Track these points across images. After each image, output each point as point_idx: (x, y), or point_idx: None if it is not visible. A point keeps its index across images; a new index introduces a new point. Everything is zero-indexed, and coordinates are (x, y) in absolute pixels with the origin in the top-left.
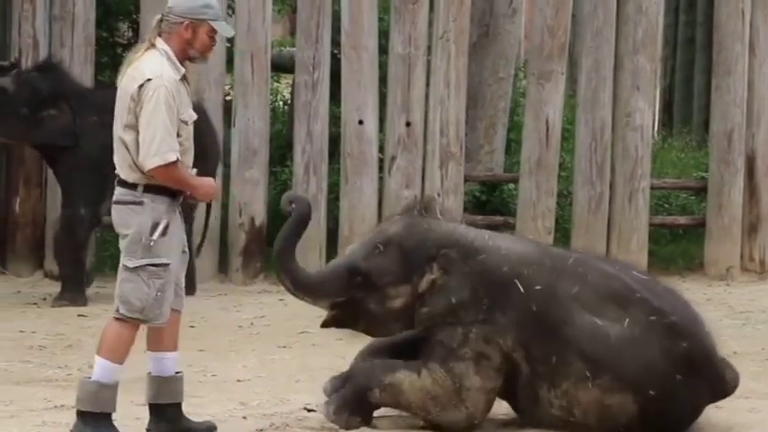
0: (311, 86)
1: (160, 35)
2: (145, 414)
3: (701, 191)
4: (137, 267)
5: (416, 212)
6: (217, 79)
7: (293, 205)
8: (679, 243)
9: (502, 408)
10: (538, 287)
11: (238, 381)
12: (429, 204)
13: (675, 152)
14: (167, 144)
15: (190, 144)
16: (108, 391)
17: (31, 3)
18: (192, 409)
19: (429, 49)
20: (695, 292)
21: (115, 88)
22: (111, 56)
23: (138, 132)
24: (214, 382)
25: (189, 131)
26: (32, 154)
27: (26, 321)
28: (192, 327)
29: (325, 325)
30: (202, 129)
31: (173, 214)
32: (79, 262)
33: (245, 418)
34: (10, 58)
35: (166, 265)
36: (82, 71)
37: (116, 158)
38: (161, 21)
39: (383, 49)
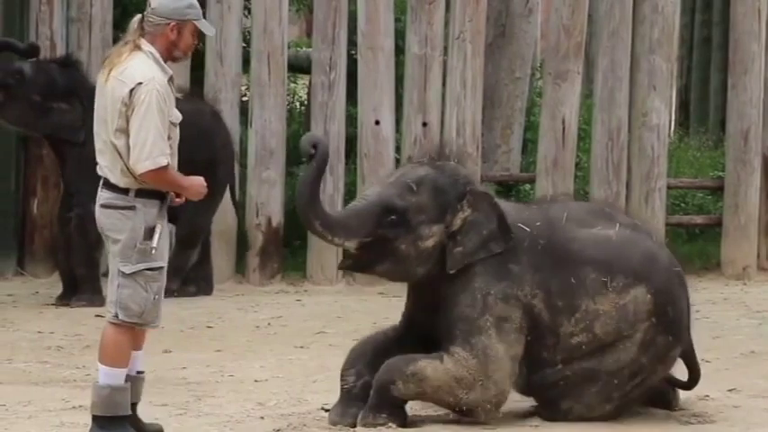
0: (328, 87)
1: (142, 36)
2: (162, 414)
3: (717, 190)
4: (134, 273)
5: (437, 155)
6: (233, 80)
7: (314, 149)
8: (695, 243)
9: (514, 404)
10: (538, 224)
11: (256, 381)
12: (443, 150)
13: (692, 151)
14: (159, 148)
15: (176, 145)
16: (120, 394)
17: (49, 4)
18: (210, 410)
19: (445, 49)
20: (712, 292)
21: None
22: None
23: (128, 136)
24: (231, 382)
25: (177, 132)
26: (50, 155)
27: (44, 322)
28: (209, 327)
29: (343, 267)
30: (214, 131)
31: (163, 218)
32: (94, 261)
33: (262, 418)
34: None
35: (162, 268)
36: (99, 72)
37: (104, 162)
38: (142, 21)
39: (399, 50)
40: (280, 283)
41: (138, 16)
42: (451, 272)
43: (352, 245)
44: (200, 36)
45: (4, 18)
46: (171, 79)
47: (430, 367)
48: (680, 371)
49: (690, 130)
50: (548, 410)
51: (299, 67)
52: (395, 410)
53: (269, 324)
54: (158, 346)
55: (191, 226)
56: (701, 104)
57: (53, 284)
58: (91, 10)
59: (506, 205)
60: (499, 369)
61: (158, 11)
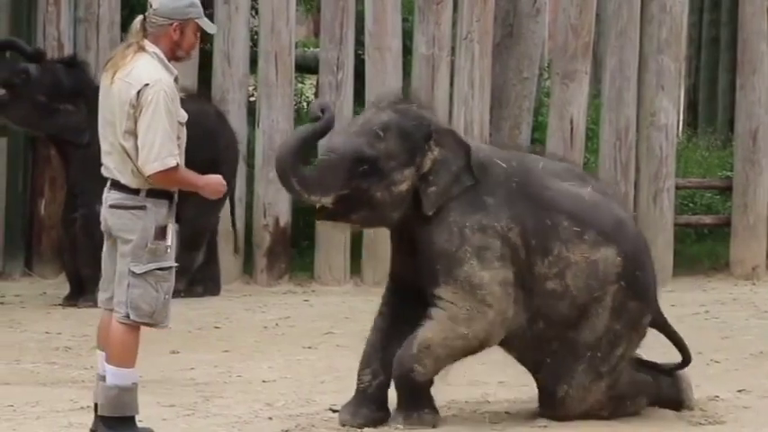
0: (335, 87)
1: (145, 37)
2: (170, 414)
3: (726, 190)
4: (144, 273)
5: (399, 100)
6: (241, 80)
7: (323, 113)
8: (704, 243)
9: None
10: (513, 164)
11: (264, 381)
12: (403, 93)
13: (700, 151)
14: (167, 149)
15: (183, 145)
16: (128, 394)
17: (56, 5)
18: (218, 410)
19: (453, 49)
20: (721, 292)
21: None
22: None
23: (137, 138)
24: (239, 382)
25: (184, 132)
26: (57, 156)
27: (52, 322)
28: (217, 327)
29: (319, 218)
30: (218, 132)
31: (172, 217)
32: (100, 262)
33: (270, 418)
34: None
35: (171, 268)
36: (102, 74)
37: (112, 164)
38: (144, 22)
39: (407, 50)
40: (287, 283)
41: (140, 17)
42: (429, 213)
43: (328, 200)
44: (206, 36)
45: (12, 18)
46: (176, 79)
47: (428, 331)
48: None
49: (698, 129)
50: (546, 402)
51: (306, 67)
52: (429, 400)
53: (277, 324)
54: (166, 346)
55: (193, 227)
56: (710, 104)
57: (60, 285)
58: (98, 10)
59: (481, 145)
60: (489, 293)
61: (160, 11)
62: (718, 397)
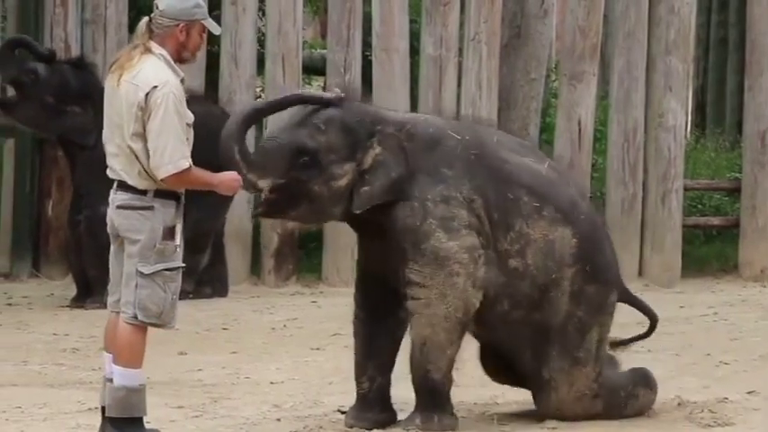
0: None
1: (152, 38)
2: (178, 416)
3: (734, 192)
4: (152, 273)
5: (341, 96)
6: (248, 82)
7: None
8: (713, 244)
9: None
10: (467, 137)
11: (272, 383)
12: (346, 88)
13: (708, 153)
14: (179, 151)
15: (191, 146)
16: (136, 395)
17: (63, 6)
18: (226, 412)
19: (460, 50)
20: (730, 294)
21: None
22: None
23: (146, 140)
24: (247, 384)
25: (191, 133)
26: (65, 157)
27: (59, 324)
28: (224, 329)
29: (257, 214)
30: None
31: (180, 218)
32: (105, 263)
33: (278, 420)
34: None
35: (179, 268)
36: (108, 76)
37: (119, 165)
38: (150, 23)
39: (414, 51)
40: (295, 284)
41: (146, 19)
42: (356, 212)
43: (265, 184)
44: (213, 38)
45: (19, 20)
46: (182, 81)
47: (416, 329)
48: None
49: (706, 131)
50: (536, 388)
51: (313, 68)
52: (449, 404)
53: (284, 326)
54: (174, 347)
55: (197, 229)
56: (718, 105)
57: (68, 286)
58: (105, 12)
59: (430, 118)
60: (456, 261)
61: (167, 12)
62: (727, 399)
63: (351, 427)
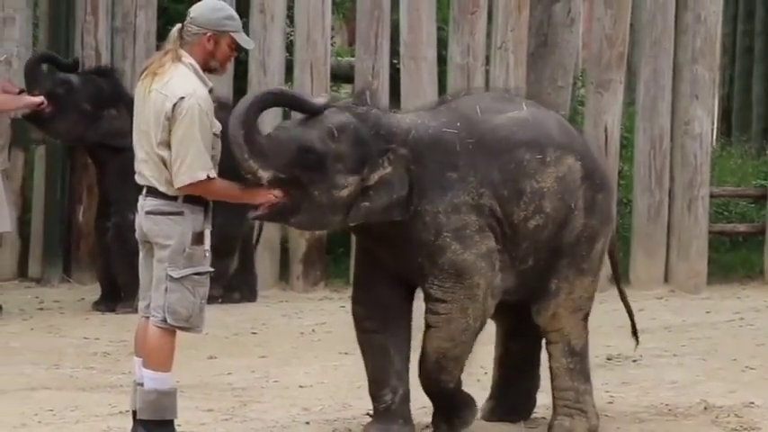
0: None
1: (182, 46)
2: (208, 419)
3: (760, 199)
4: (182, 277)
5: (357, 101)
6: None
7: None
8: (738, 251)
9: None
10: (459, 124)
11: (301, 387)
12: (362, 95)
13: (734, 160)
14: (199, 163)
15: (218, 156)
16: (167, 398)
17: (94, 15)
18: (256, 415)
19: (487, 58)
20: (755, 300)
21: None
22: None
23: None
24: (277, 387)
25: (219, 143)
26: (93, 164)
27: (90, 328)
28: (254, 333)
29: (258, 217)
30: None
31: (209, 223)
32: (135, 268)
33: (307, 423)
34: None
35: (208, 273)
36: (138, 82)
37: (148, 172)
38: (181, 30)
39: (442, 59)
40: (323, 289)
41: (178, 25)
42: (351, 224)
43: (265, 175)
44: (240, 47)
45: (51, 28)
46: (210, 90)
47: (434, 340)
48: None
49: (732, 138)
50: (540, 297)
51: (341, 76)
52: (463, 398)
53: (313, 330)
54: (204, 352)
55: (224, 234)
56: (744, 113)
57: (98, 291)
58: (135, 20)
59: (421, 117)
60: (476, 273)
61: (197, 20)
62: (753, 403)
63: None
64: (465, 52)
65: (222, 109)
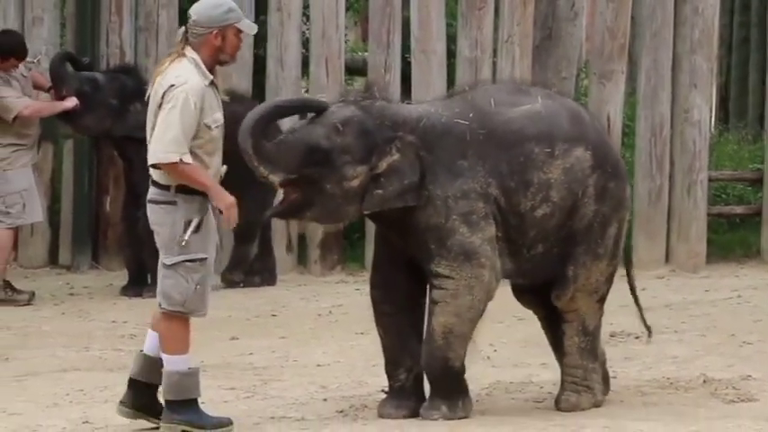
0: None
1: (188, 45)
2: (231, 396)
3: (756, 182)
4: (174, 264)
5: (364, 95)
6: (293, 83)
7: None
8: (736, 232)
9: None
10: (471, 115)
11: (318, 365)
12: (370, 88)
13: (731, 145)
14: (173, 146)
15: (215, 147)
16: (189, 378)
17: (118, 15)
18: (276, 393)
19: (495, 51)
20: (753, 278)
21: None
22: None
23: None
24: (296, 366)
25: (213, 135)
26: (121, 158)
27: (118, 312)
28: (274, 315)
29: (276, 215)
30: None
31: (205, 212)
32: None
33: (325, 400)
34: (100, 68)
35: (203, 259)
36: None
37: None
38: (186, 32)
39: (451, 53)
40: (340, 273)
41: (183, 28)
42: (366, 212)
43: (276, 178)
44: (260, 42)
45: (77, 28)
46: (212, 83)
47: (441, 317)
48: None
49: (729, 125)
50: (559, 285)
51: (355, 69)
52: (467, 386)
53: (330, 312)
54: (227, 333)
55: (245, 221)
56: (740, 101)
57: (125, 277)
58: (158, 20)
59: (435, 106)
60: (482, 254)
61: (199, 21)
62: (750, 376)
63: (389, 417)
64: (473, 46)
65: (241, 101)
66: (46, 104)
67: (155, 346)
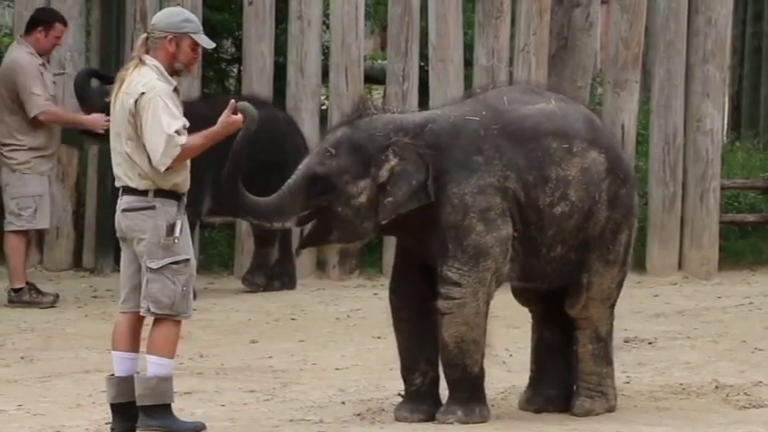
0: (401, 97)
1: (147, 52)
2: (251, 399)
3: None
4: (160, 267)
5: (355, 113)
6: (313, 90)
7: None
8: (748, 239)
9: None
10: (484, 113)
11: (337, 369)
12: (364, 103)
13: (743, 154)
14: (170, 143)
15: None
16: (166, 383)
17: (143, 22)
18: (295, 395)
19: (511, 61)
20: (764, 285)
21: (217, 99)
22: (216, 70)
23: (138, 143)
24: (314, 370)
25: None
26: None
27: None
28: (293, 319)
29: (301, 247)
30: (286, 136)
31: (182, 215)
32: None
33: (343, 403)
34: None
35: (187, 260)
36: (189, 85)
37: (122, 172)
38: (147, 39)
39: (468, 62)
40: (358, 278)
41: (144, 34)
42: (383, 222)
43: (290, 224)
44: (281, 49)
45: (102, 35)
46: (176, 89)
47: (450, 327)
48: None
49: (741, 134)
50: (574, 293)
51: (374, 78)
52: (484, 394)
53: (348, 316)
54: (246, 336)
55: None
56: (752, 110)
57: None
58: None
59: (443, 109)
60: (491, 258)
61: (158, 26)
62: (761, 382)
63: (405, 420)
64: (490, 54)
65: (262, 107)
66: (69, 116)
67: (126, 369)
